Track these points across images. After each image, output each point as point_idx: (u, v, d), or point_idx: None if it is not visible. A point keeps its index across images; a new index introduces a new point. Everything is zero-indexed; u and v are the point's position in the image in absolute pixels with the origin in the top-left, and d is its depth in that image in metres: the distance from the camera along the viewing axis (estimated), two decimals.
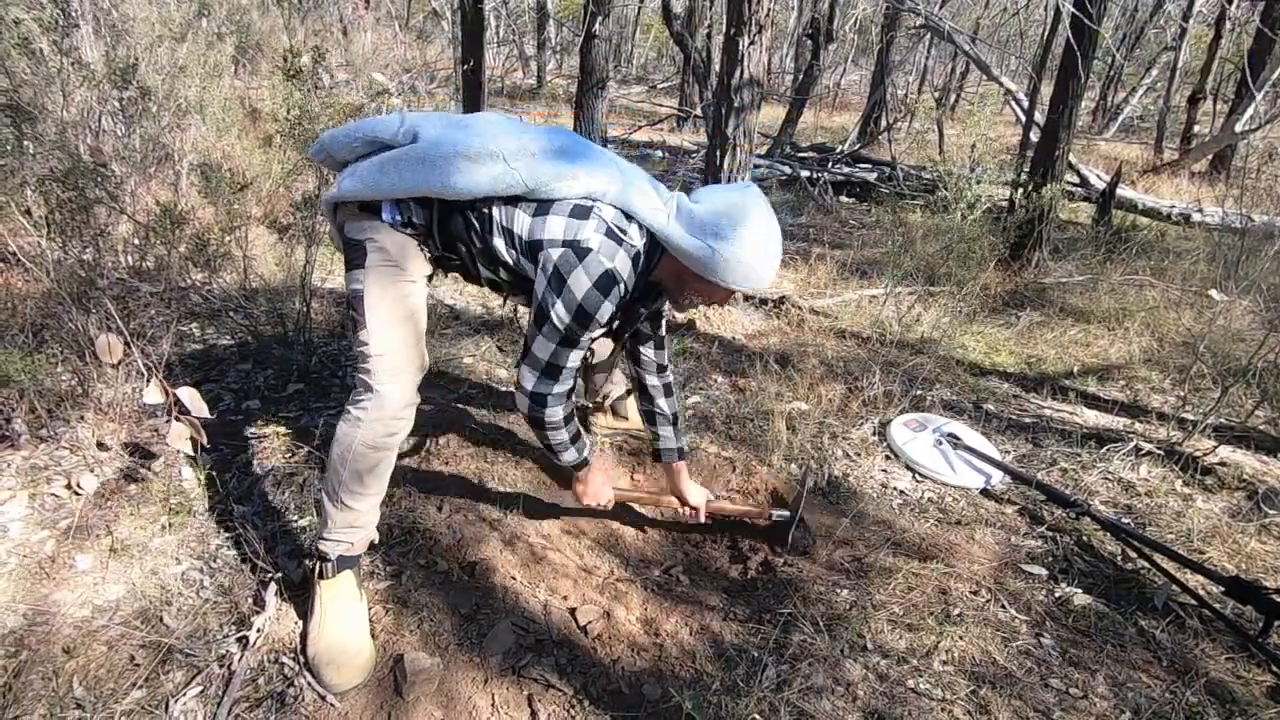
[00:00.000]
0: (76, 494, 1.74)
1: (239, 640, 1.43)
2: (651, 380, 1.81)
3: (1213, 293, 3.11)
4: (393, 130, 1.40)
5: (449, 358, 2.70)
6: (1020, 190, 4.11)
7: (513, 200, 1.39)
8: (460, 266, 1.53)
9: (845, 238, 5.18)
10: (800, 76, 8.77)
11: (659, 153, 7.31)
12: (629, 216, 1.41)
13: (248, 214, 2.55)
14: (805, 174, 6.23)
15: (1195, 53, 11.63)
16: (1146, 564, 1.83)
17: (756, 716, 1.34)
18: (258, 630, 1.44)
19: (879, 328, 3.29)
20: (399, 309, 1.42)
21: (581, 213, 1.37)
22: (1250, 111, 6.74)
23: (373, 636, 1.45)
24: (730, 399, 2.59)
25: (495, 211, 1.39)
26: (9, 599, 1.46)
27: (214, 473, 1.87)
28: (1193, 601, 1.70)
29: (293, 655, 1.41)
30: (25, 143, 2.06)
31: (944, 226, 3.83)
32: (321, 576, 1.45)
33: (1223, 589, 1.69)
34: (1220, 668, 1.54)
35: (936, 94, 12.24)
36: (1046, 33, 5.94)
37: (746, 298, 3.58)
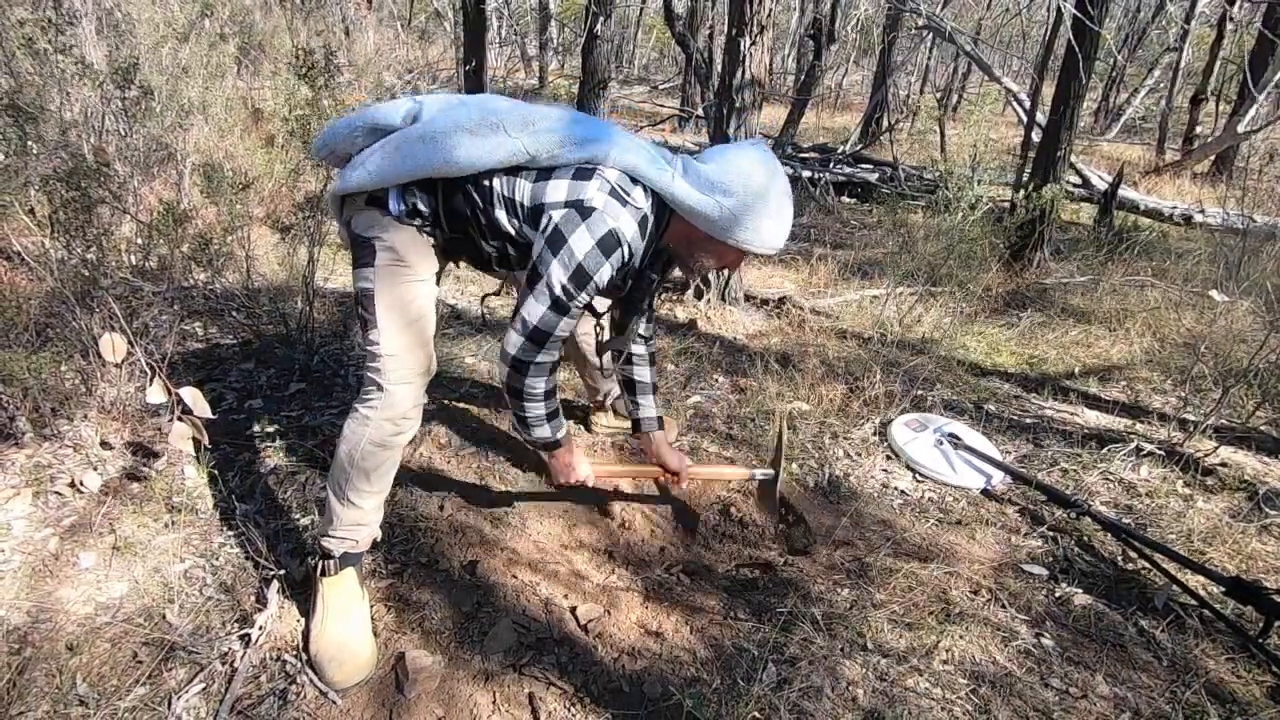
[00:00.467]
0: (80, 492, 1.75)
1: (241, 638, 1.43)
2: (635, 349, 1.78)
3: (1214, 293, 3.10)
4: (394, 115, 1.39)
5: (450, 357, 2.70)
6: (1022, 191, 4.11)
7: (514, 170, 1.37)
8: (469, 249, 1.50)
9: (846, 238, 5.18)
10: (802, 77, 8.77)
11: None
12: (634, 180, 1.38)
13: (250, 214, 2.56)
14: (807, 174, 6.23)
15: (1197, 54, 11.61)
16: (1147, 564, 1.83)
17: (756, 715, 1.35)
18: (260, 628, 1.44)
19: (880, 328, 3.29)
20: (409, 309, 1.42)
21: (584, 174, 1.35)
22: (1252, 113, 6.73)
23: (374, 634, 1.46)
24: (731, 399, 2.59)
25: (497, 183, 1.37)
26: (13, 596, 1.47)
27: (216, 471, 1.88)
28: (1193, 602, 1.70)
29: (295, 653, 1.42)
30: (29, 143, 2.07)
31: (945, 227, 3.83)
32: (324, 574, 1.46)
33: (1223, 589, 1.69)
34: (1221, 668, 1.54)
35: (938, 95, 12.24)
36: (1048, 33, 5.94)
37: (748, 298, 3.58)
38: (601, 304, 1.73)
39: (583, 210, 1.31)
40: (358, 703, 1.34)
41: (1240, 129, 6.75)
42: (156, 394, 1.43)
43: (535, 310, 1.36)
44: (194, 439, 1.46)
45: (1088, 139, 10.63)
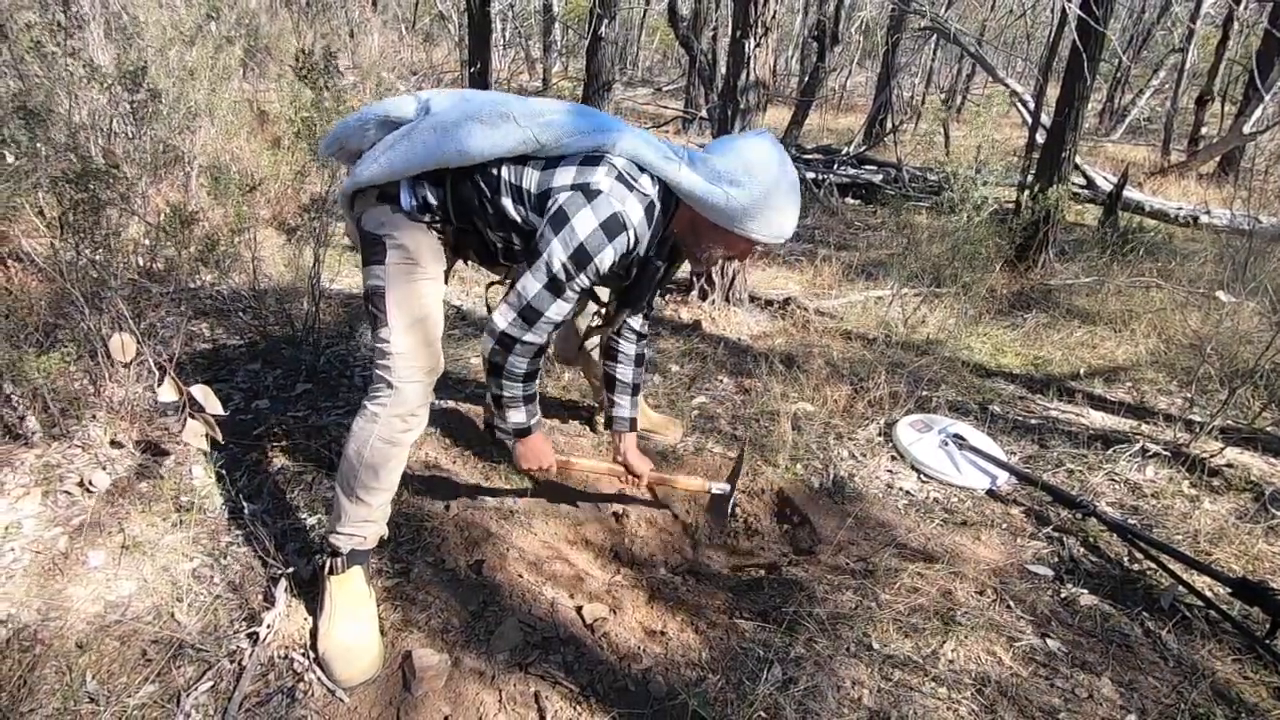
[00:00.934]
0: (89, 491, 1.76)
1: (249, 636, 1.44)
2: (627, 347, 1.78)
3: (1220, 294, 3.10)
4: (407, 107, 1.41)
5: (456, 358, 2.71)
6: (1026, 192, 4.11)
7: (522, 159, 1.38)
8: (476, 242, 1.51)
9: (851, 239, 5.18)
10: (806, 78, 8.77)
11: None
12: (641, 169, 1.39)
13: (256, 215, 2.57)
14: (811, 175, 6.23)
15: (1203, 54, 11.57)
16: (1153, 565, 1.83)
17: (762, 715, 1.35)
18: (268, 626, 1.45)
19: (885, 329, 3.29)
20: (418, 307, 1.43)
21: (592, 161, 1.36)
22: (1258, 113, 6.71)
23: (381, 633, 1.46)
24: (736, 399, 2.59)
25: (504, 171, 1.38)
26: (23, 594, 1.48)
27: (224, 471, 1.89)
28: (1199, 603, 1.70)
29: (303, 651, 1.43)
30: (39, 145, 2.09)
31: (950, 228, 3.83)
32: (332, 572, 1.47)
33: (1230, 590, 1.69)
34: (1227, 669, 1.54)
35: (942, 96, 12.23)
36: (1053, 34, 5.93)
37: (753, 298, 3.59)
38: (604, 293, 1.73)
39: (588, 193, 1.32)
40: (365, 701, 1.35)
41: (1246, 129, 6.72)
42: (168, 392, 1.44)
43: (530, 287, 1.37)
44: (207, 435, 1.47)
45: (1093, 140, 10.61)
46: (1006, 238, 4.04)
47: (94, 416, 1.92)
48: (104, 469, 1.81)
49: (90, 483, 1.77)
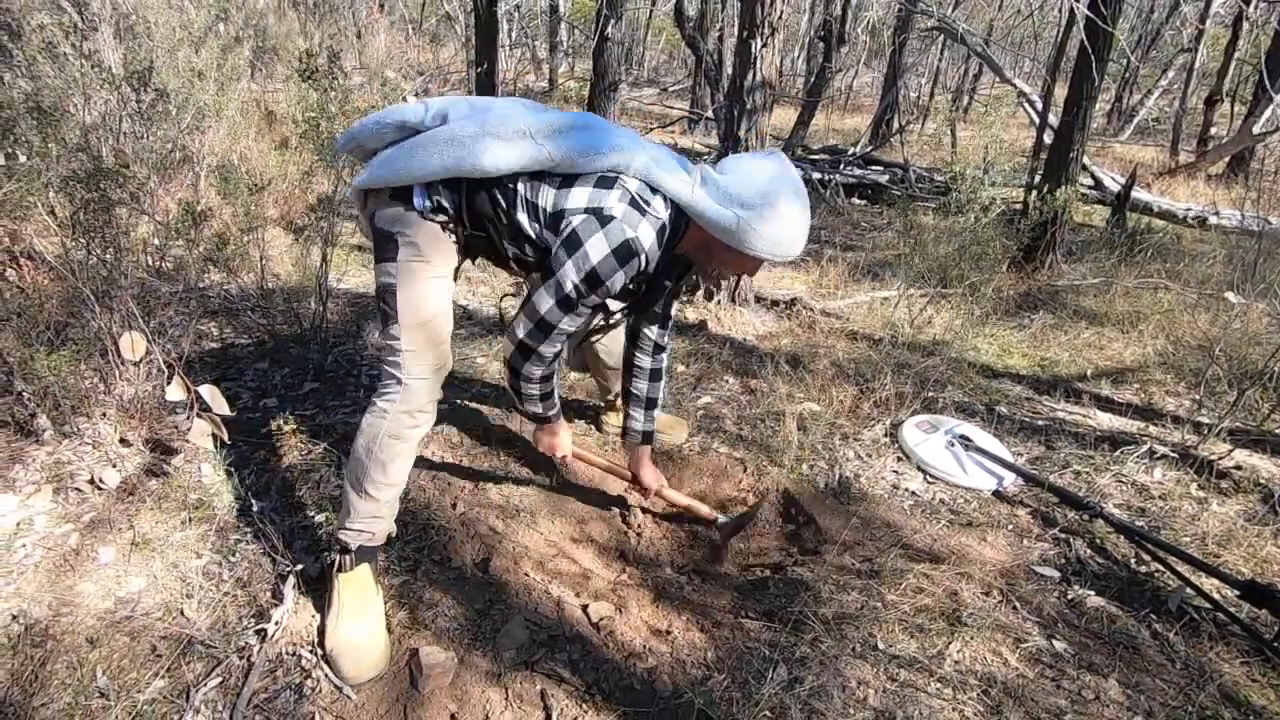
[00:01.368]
0: (99, 489, 1.78)
1: (258, 633, 1.45)
2: (643, 360, 1.80)
3: (1229, 295, 3.07)
4: (422, 115, 1.42)
5: (462, 357, 2.72)
6: (1034, 192, 4.10)
7: (538, 176, 1.40)
8: (488, 246, 1.53)
9: (857, 240, 5.17)
10: (812, 79, 8.76)
11: None
12: (654, 190, 1.41)
13: (265, 215, 2.59)
14: (817, 176, 6.22)
15: (1212, 54, 11.50)
16: (1160, 567, 1.82)
17: (767, 714, 1.35)
18: (276, 623, 1.46)
19: (891, 329, 3.29)
20: (429, 304, 1.44)
21: (606, 183, 1.38)
22: (1268, 113, 6.67)
23: (388, 630, 1.47)
24: (742, 400, 2.60)
25: (521, 186, 1.40)
26: (35, 590, 1.50)
27: (232, 469, 1.91)
28: (1207, 605, 1.69)
29: (310, 648, 1.44)
30: (50, 145, 2.10)
31: (957, 228, 3.82)
32: (340, 570, 1.48)
33: (1238, 592, 1.68)
34: (1235, 671, 1.53)
35: (950, 96, 12.20)
36: (1061, 34, 5.90)
37: (758, 299, 3.59)
38: (615, 304, 1.75)
39: (602, 218, 1.34)
40: (372, 698, 1.35)
41: (1256, 130, 6.68)
42: (176, 391, 1.46)
43: (544, 302, 1.41)
44: (213, 435, 1.48)
45: (1101, 140, 10.56)
46: (1014, 238, 4.02)
47: (104, 414, 1.93)
48: (114, 466, 1.83)
49: (100, 480, 1.78)
